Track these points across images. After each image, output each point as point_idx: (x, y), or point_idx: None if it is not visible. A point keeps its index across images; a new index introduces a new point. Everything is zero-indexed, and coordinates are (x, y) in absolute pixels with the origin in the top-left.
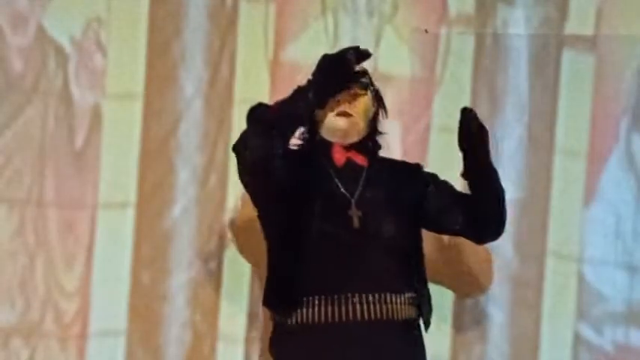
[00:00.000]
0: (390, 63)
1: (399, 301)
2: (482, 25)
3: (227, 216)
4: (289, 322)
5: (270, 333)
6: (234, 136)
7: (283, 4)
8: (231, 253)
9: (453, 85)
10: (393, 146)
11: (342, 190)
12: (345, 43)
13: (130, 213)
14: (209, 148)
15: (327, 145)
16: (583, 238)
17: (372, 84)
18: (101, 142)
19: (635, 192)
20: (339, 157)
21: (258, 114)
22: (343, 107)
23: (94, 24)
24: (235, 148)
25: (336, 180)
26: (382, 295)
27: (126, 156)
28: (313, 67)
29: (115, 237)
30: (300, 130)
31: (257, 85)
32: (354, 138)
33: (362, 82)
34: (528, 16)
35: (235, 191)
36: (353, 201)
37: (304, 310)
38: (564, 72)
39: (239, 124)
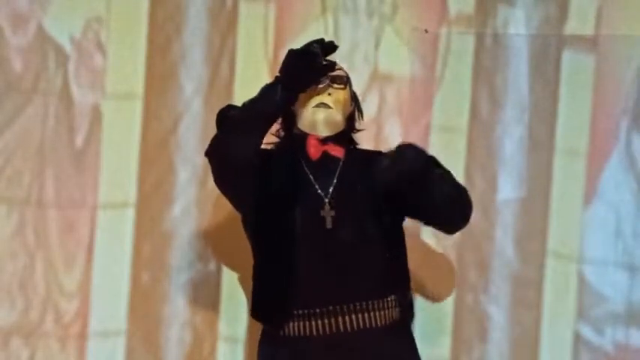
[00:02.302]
0: (390, 63)
1: (381, 306)
2: (482, 25)
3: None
4: (275, 332)
5: (259, 337)
6: None
7: (283, 4)
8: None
9: (453, 85)
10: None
11: (316, 188)
12: (345, 44)
13: (130, 213)
14: None
15: (303, 139)
16: (583, 238)
17: (349, 82)
18: (101, 142)
19: (635, 192)
20: (315, 150)
21: (227, 116)
22: (322, 99)
23: (94, 24)
24: (208, 154)
25: (311, 177)
26: (363, 304)
27: (126, 156)
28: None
29: (115, 237)
30: (276, 126)
31: (257, 85)
32: (332, 130)
33: (341, 76)
34: (528, 16)
35: None
36: (326, 200)
37: (289, 324)
38: (564, 72)
39: None
